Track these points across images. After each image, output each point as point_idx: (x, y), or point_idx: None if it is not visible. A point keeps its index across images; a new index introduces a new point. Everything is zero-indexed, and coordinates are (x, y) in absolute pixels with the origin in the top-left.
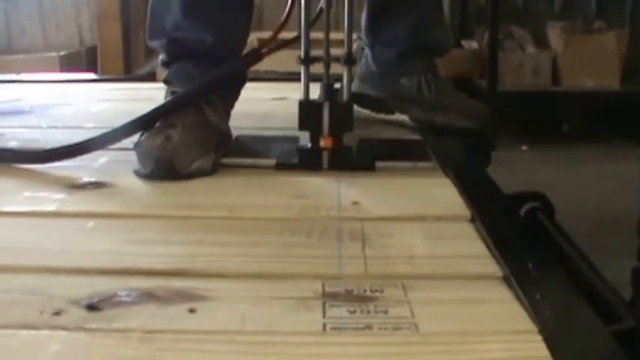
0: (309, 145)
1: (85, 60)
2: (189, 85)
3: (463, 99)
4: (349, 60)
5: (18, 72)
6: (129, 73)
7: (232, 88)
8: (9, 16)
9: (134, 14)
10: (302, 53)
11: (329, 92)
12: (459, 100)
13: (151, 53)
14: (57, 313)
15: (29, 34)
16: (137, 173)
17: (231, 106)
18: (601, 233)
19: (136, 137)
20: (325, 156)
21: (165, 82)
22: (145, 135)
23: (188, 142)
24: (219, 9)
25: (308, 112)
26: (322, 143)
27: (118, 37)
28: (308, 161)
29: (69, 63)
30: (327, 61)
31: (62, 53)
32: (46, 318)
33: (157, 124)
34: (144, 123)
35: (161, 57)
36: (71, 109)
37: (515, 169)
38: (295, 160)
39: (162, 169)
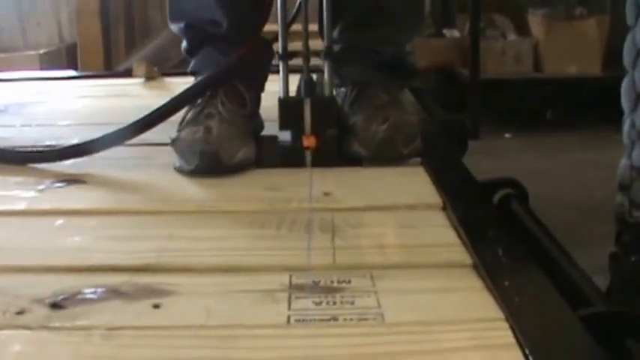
0: (291, 143)
1: (65, 57)
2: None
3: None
4: (329, 54)
5: None
6: (109, 69)
7: (259, 71)
8: None
9: (114, 10)
10: (280, 48)
11: (309, 88)
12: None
13: (131, 49)
14: (20, 313)
15: (8, 32)
16: (179, 170)
17: (262, 89)
18: (584, 220)
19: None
20: (308, 155)
21: (192, 73)
22: (182, 129)
23: (229, 131)
24: None
25: (288, 110)
26: (305, 142)
27: (97, 34)
28: (290, 160)
29: (49, 61)
30: (307, 55)
31: (42, 51)
32: (9, 317)
33: (190, 115)
34: (170, 111)
35: (183, 45)
36: (47, 106)
37: (499, 156)
38: (277, 160)
39: (208, 162)
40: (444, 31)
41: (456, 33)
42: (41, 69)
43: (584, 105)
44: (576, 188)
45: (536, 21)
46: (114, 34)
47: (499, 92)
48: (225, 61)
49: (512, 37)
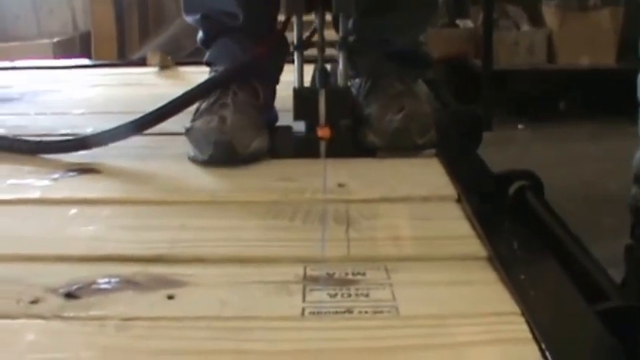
0: (305, 133)
1: (78, 46)
2: (231, 65)
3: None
4: (345, 44)
5: (12, 59)
6: (123, 58)
7: (274, 65)
8: (2, 3)
9: None
10: (295, 39)
11: (324, 79)
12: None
13: (144, 38)
14: (34, 302)
15: (23, 20)
16: (194, 160)
17: (277, 82)
18: (597, 211)
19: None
20: (322, 145)
21: (208, 63)
22: (196, 119)
23: (243, 121)
24: None
25: (303, 100)
26: (320, 133)
27: (111, 22)
28: (304, 151)
29: (63, 49)
30: (322, 45)
31: (55, 40)
32: (23, 307)
33: (204, 105)
34: (187, 102)
35: (199, 36)
36: (61, 95)
37: (512, 147)
38: (291, 150)
39: (223, 152)
40: (457, 22)
41: (469, 23)
42: (55, 57)
43: (598, 96)
44: (590, 180)
45: (549, 11)
46: (127, 23)
47: (512, 83)
48: (240, 60)
49: (525, 27)
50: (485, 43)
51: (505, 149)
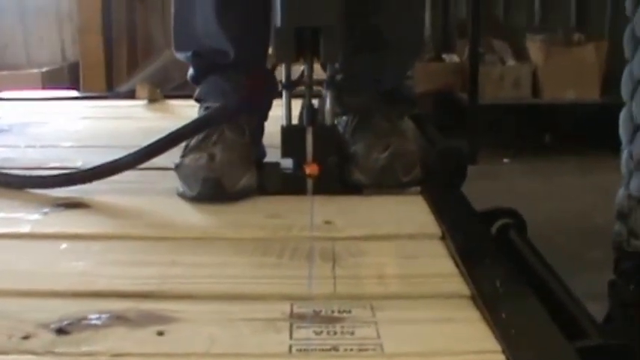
0: (293, 170)
1: (67, 76)
2: (220, 104)
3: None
4: (332, 83)
5: (1, 89)
6: (111, 89)
7: (263, 99)
8: None
9: (116, 29)
10: (284, 78)
11: (312, 117)
12: None
13: (133, 68)
14: (25, 337)
15: (12, 49)
16: (182, 196)
17: (265, 118)
18: (583, 245)
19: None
20: (310, 182)
21: (198, 100)
22: (185, 155)
23: (232, 159)
24: (245, 16)
25: (291, 138)
26: (307, 170)
27: (100, 52)
28: (292, 188)
29: (51, 79)
30: (310, 83)
31: (44, 69)
32: (15, 342)
33: (194, 142)
34: (176, 140)
35: (189, 73)
36: (50, 127)
37: (498, 181)
38: (279, 187)
39: (211, 189)
40: (444, 56)
41: (455, 58)
42: (44, 87)
43: (583, 130)
44: (575, 213)
45: (534, 46)
46: (116, 53)
47: (498, 117)
48: (230, 99)
49: (510, 62)
50: (471, 77)
51: (491, 183)
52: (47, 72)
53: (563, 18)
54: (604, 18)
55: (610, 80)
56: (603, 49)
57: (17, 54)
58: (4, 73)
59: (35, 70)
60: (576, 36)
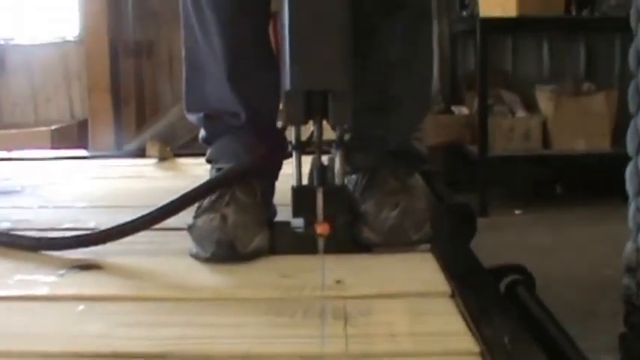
0: (304, 230)
1: (76, 133)
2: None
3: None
4: (341, 143)
5: (9, 147)
6: (120, 146)
7: (273, 163)
8: (0, 90)
9: (124, 86)
10: (294, 140)
11: (322, 177)
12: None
13: (141, 125)
14: None
15: (20, 107)
16: (196, 257)
17: (275, 178)
18: (595, 296)
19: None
20: (321, 242)
21: (209, 161)
22: (198, 216)
23: (244, 220)
24: (256, 80)
25: (302, 198)
26: (318, 230)
27: (108, 110)
28: (303, 247)
29: (60, 137)
30: (320, 144)
31: (53, 127)
32: None
33: (206, 203)
34: (189, 201)
35: (201, 134)
36: (61, 188)
37: (509, 233)
38: (290, 246)
39: (224, 250)
40: (453, 108)
41: (464, 110)
42: (53, 145)
43: (594, 180)
44: (586, 265)
45: (544, 97)
46: (124, 111)
47: (508, 169)
48: (241, 161)
49: (520, 113)
50: (480, 129)
51: (502, 234)
52: (56, 130)
53: (572, 67)
54: (613, 67)
55: (620, 129)
56: (613, 98)
57: (25, 112)
58: (14, 131)
59: (44, 128)
60: (586, 85)
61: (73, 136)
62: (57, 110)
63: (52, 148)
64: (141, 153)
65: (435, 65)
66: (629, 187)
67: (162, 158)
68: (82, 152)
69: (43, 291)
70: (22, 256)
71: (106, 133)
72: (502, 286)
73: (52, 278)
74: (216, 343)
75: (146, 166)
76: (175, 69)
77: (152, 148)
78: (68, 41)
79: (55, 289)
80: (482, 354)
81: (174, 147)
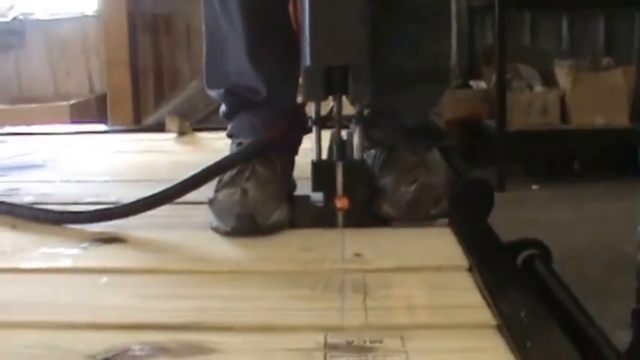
0: (324, 204)
1: (95, 108)
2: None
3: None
4: (361, 119)
5: (29, 121)
6: (138, 121)
7: (292, 138)
8: (19, 64)
9: (143, 61)
10: (313, 114)
11: (342, 152)
12: None
13: (159, 100)
14: None
15: (39, 81)
16: (216, 230)
17: (295, 153)
18: (613, 272)
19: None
20: (340, 216)
21: (230, 135)
22: (219, 190)
23: (264, 194)
24: (276, 56)
25: (321, 172)
26: (338, 204)
27: (127, 84)
28: (323, 221)
29: (79, 111)
30: (339, 119)
31: (72, 102)
32: None
33: (227, 177)
34: (210, 175)
35: (222, 109)
36: (82, 162)
37: (526, 208)
38: (310, 221)
39: (245, 224)
40: (471, 83)
41: (482, 84)
42: (72, 119)
43: (612, 156)
44: (603, 241)
45: (562, 72)
46: (143, 85)
47: (526, 144)
48: (261, 136)
49: (538, 88)
50: (498, 104)
51: (519, 210)
52: (75, 104)
53: (591, 42)
54: (632, 43)
55: (639, 105)
56: (632, 73)
57: (44, 86)
58: (33, 105)
59: (63, 103)
60: (604, 61)
61: (92, 110)
62: (76, 85)
63: (72, 122)
64: (160, 127)
65: (453, 40)
66: None
67: (182, 133)
68: (102, 127)
69: (67, 263)
70: (45, 229)
71: (125, 108)
72: (519, 261)
73: (75, 251)
74: (237, 315)
75: (166, 140)
76: (193, 43)
77: (171, 123)
78: (87, 16)
79: (79, 262)
80: (498, 327)
81: (193, 121)
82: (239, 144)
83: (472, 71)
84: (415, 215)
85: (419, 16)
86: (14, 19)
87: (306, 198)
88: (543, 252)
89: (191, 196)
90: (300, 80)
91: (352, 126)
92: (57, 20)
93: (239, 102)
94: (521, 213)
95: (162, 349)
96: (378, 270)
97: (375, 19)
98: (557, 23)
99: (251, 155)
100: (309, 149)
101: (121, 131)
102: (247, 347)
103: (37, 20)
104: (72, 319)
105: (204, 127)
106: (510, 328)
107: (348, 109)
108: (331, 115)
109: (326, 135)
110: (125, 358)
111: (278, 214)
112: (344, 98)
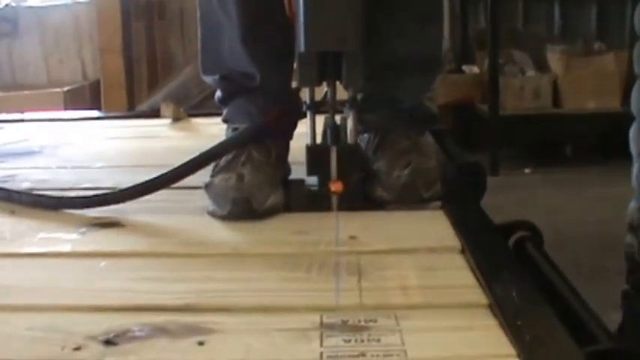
0: (318, 188)
1: (88, 95)
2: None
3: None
4: (354, 103)
5: (23, 108)
6: (132, 107)
7: (287, 124)
8: (12, 52)
9: (136, 47)
10: (308, 99)
11: (336, 136)
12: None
13: (153, 86)
14: (77, 349)
15: (33, 68)
16: (212, 214)
17: (290, 138)
18: (604, 255)
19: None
20: (334, 199)
21: (225, 121)
22: (215, 175)
23: (259, 179)
24: (270, 41)
25: (316, 157)
26: (332, 187)
27: (120, 71)
28: (317, 205)
29: (73, 98)
30: (333, 104)
31: (66, 89)
32: (67, 353)
33: (223, 162)
34: (206, 161)
35: (217, 95)
36: (78, 148)
37: (519, 192)
38: (305, 204)
39: (240, 208)
40: (464, 67)
41: (475, 69)
42: (66, 106)
43: (604, 140)
44: (595, 224)
45: (554, 57)
46: (137, 71)
47: (518, 128)
48: (256, 121)
49: (531, 72)
50: (491, 88)
51: (512, 194)
52: (69, 91)
53: (583, 27)
54: (624, 28)
55: (631, 89)
56: (624, 58)
57: (37, 73)
58: (27, 92)
59: (57, 90)
60: (596, 45)
61: (86, 97)
62: (69, 71)
63: (65, 109)
64: (155, 113)
65: (446, 24)
66: (633, 147)
67: (176, 119)
68: (97, 113)
69: (66, 248)
70: (43, 215)
71: (119, 94)
72: (511, 243)
73: (74, 236)
74: (234, 296)
75: (160, 126)
76: (187, 29)
77: (166, 109)
78: (79, 2)
79: (78, 246)
80: (490, 306)
81: (187, 107)
82: (234, 129)
83: (465, 56)
84: (409, 198)
85: (411, 1)
86: (7, 5)
87: (301, 182)
88: (535, 234)
89: (187, 180)
90: (295, 66)
91: (346, 111)
92: (50, 7)
93: (234, 87)
94: (513, 196)
95: (161, 330)
96: (373, 252)
97: (369, 6)
98: (549, 8)
99: (246, 140)
100: (303, 134)
101: (116, 117)
102: (245, 328)
103: (30, 7)
104: (72, 302)
105: (199, 113)
106: (501, 307)
107: (342, 94)
108: (325, 100)
109: (320, 120)
110: (125, 339)
111: (273, 199)
112: (338, 83)
